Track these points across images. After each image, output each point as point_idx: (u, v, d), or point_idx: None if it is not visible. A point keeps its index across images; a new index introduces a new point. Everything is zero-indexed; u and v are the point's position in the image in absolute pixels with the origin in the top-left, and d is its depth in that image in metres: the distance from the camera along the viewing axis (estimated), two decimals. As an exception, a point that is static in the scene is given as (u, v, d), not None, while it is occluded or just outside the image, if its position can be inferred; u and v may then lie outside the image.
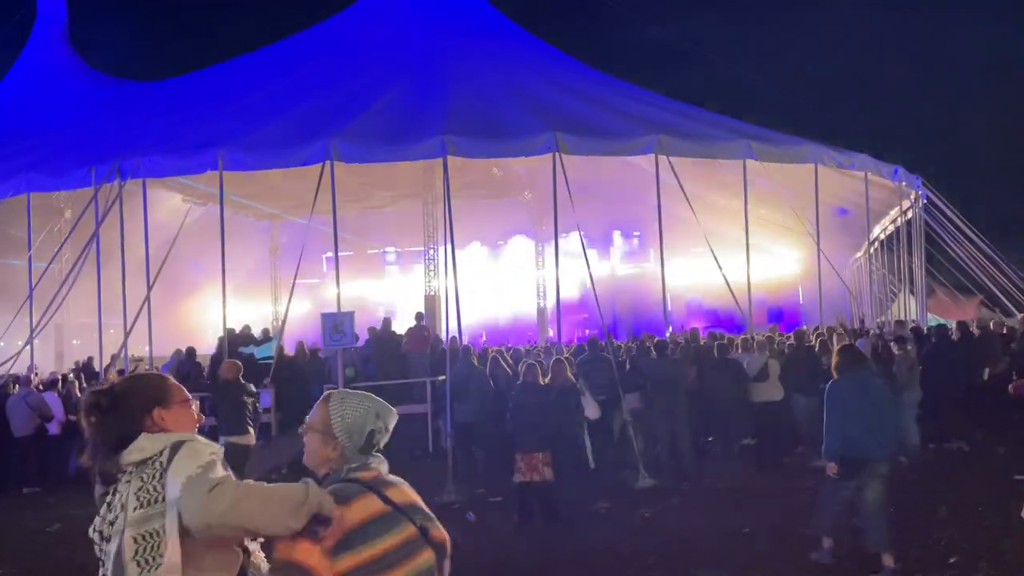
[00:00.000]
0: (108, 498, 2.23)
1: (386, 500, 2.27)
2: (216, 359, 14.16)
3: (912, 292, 19.04)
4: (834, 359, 6.78)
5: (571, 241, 16.81)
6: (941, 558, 6.56)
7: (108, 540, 2.17)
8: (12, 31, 25.57)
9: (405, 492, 2.37)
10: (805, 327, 16.79)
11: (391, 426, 2.44)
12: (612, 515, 8.75)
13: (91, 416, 2.30)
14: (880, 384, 6.72)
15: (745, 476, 10.25)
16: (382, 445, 2.43)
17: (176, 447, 2.21)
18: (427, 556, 2.30)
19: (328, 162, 13.06)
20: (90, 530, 2.25)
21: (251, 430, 9.37)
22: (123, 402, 2.32)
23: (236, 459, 8.74)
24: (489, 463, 10.72)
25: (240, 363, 10.11)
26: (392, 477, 2.39)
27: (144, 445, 2.23)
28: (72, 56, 24.48)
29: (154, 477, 2.17)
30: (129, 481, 2.19)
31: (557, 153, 13.12)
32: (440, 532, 2.37)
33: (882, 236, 20.27)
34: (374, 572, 2.18)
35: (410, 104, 15.64)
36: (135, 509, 2.13)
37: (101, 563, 2.23)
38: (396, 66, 17.69)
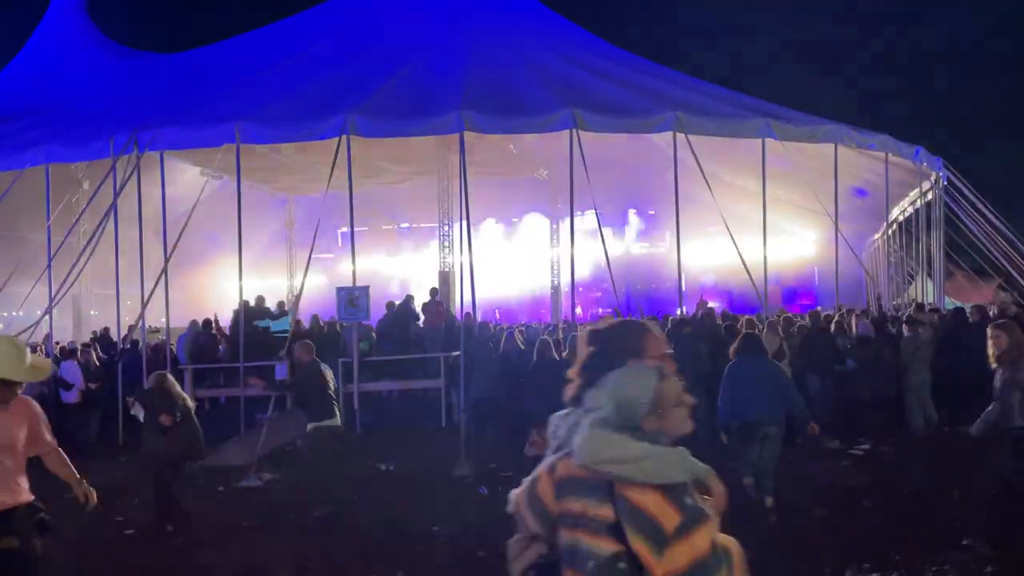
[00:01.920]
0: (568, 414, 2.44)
1: None
2: (233, 332, 14.27)
3: (930, 275, 18.87)
4: (734, 344, 7.68)
5: (586, 219, 16.74)
6: (954, 539, 6.57)
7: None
8: (30, 1, 25.60)
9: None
10: (820, 308, 16.73)
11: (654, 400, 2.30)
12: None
13: (588, 347, 2.52)
14: (769, 364, 7.68)
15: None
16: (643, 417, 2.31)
17: None
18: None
19: (345, 136, 13.06)
20: (552, 422, 2.49)
21: (337, 412, 9.14)
22: (608, 345, 2.49)
23: (326, 444, 8.75)
24: (501, 438, 10.78)
25: (313, 343, 9.69)
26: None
27: (596, 394, 2.37)
28: (90, 27, 24.42)
29: None
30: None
31: (574, 130, 13.04)
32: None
33: (900, 218, 20.06)
34: None
35: (427, 80, 15.59)
36: None
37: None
38: (413, 41, 17.61)
